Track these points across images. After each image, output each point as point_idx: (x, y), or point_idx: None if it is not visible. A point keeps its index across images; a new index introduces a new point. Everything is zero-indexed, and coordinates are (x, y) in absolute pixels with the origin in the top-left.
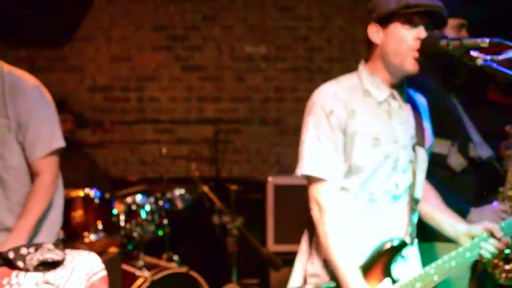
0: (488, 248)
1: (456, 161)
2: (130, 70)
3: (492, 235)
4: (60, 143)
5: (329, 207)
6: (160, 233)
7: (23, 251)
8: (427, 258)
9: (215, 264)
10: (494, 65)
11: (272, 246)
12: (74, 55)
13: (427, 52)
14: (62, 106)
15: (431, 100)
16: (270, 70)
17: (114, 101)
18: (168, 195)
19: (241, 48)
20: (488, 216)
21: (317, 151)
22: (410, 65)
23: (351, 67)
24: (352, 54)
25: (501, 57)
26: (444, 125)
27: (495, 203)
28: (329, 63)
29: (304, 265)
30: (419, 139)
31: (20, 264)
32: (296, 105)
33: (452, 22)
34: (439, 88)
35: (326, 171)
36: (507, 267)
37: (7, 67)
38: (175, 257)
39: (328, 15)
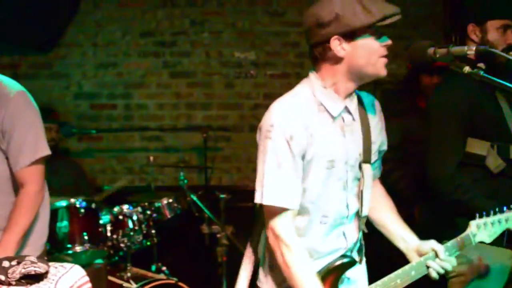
0: (434, 267)
1: (494, 162)
2: (117, 76)
3: (437, 255)
4: (46, 151)
5: (285, 236)
6: (148, 243)
7: (5, 264)
8: None
9: (204, 274)
10: (481, 73)
11: None
12: (59, 62)
13: (415, 60)
14: (48, 113)
15: (468, 100)
16: (260, 76)
17: (101, 108)
18: (156, 204)
19: (230, 54)
20: None
21: (278, 180)
22: (382, 71)
23: None
24: None
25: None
26: (483, 126)
27: None
28: None
29: (248, 275)
30: (366, 156)
31: (1, 277)
32: None
33: (495, 24)
34: (480, 88)
35: (286, 200)
36: None
37: None
38: (164, 268)
39: None
